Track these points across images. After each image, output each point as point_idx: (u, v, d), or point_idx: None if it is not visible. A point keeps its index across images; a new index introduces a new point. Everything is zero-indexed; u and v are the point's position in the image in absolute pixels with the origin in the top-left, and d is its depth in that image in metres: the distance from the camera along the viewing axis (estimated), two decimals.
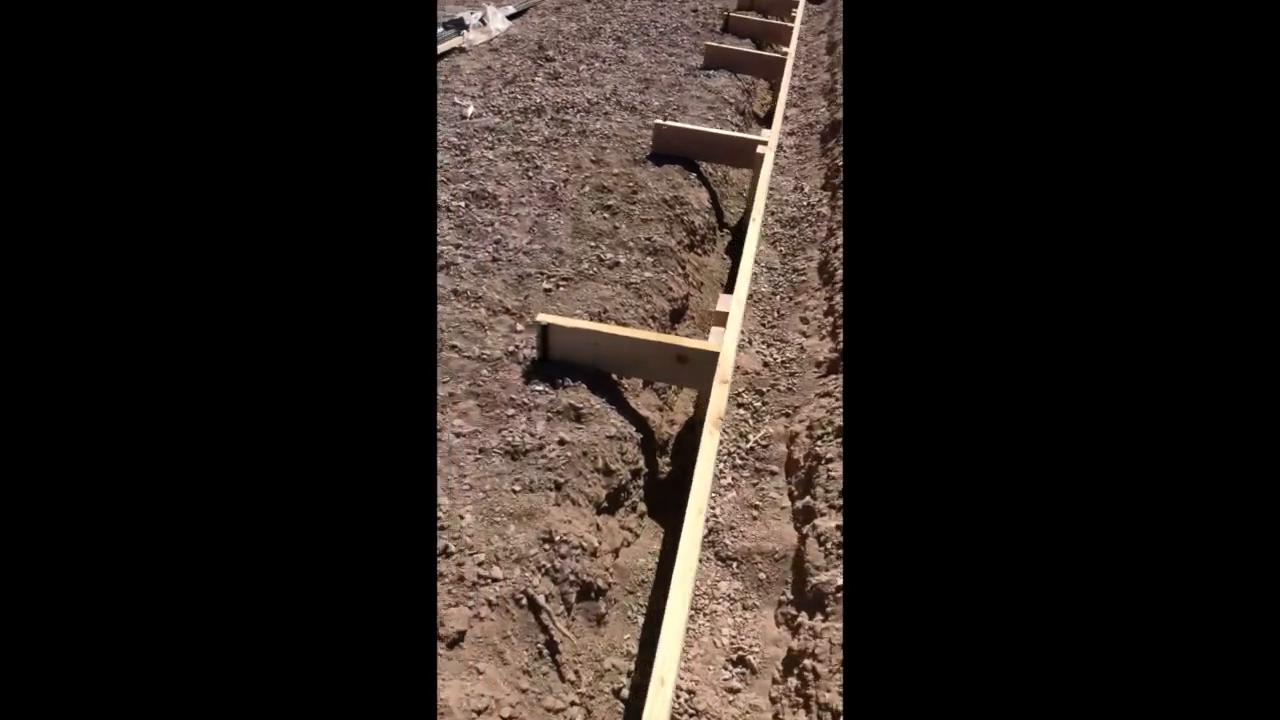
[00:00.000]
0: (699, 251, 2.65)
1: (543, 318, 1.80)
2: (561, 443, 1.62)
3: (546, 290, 2.17)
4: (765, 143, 2.81)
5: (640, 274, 2.24)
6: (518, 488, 1.52)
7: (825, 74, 4.69)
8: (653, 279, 2.23)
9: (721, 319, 1.85)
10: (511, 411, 1.71)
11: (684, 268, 2.44)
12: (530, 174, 2.81)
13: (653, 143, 2.95)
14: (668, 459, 1.91)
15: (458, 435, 1.65)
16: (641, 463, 1.75)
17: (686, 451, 1.95)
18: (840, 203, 3.02)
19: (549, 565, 1.40)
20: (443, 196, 2.62)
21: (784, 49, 4.03)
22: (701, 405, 1.95)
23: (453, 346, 1.92)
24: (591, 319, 2.04)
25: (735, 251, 2.85)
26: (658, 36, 4.57)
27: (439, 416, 1.71)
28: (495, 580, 1.34)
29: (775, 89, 4.22)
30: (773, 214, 3.12)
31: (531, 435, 1.64)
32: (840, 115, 3.76)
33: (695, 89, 3.75)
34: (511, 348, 1.92)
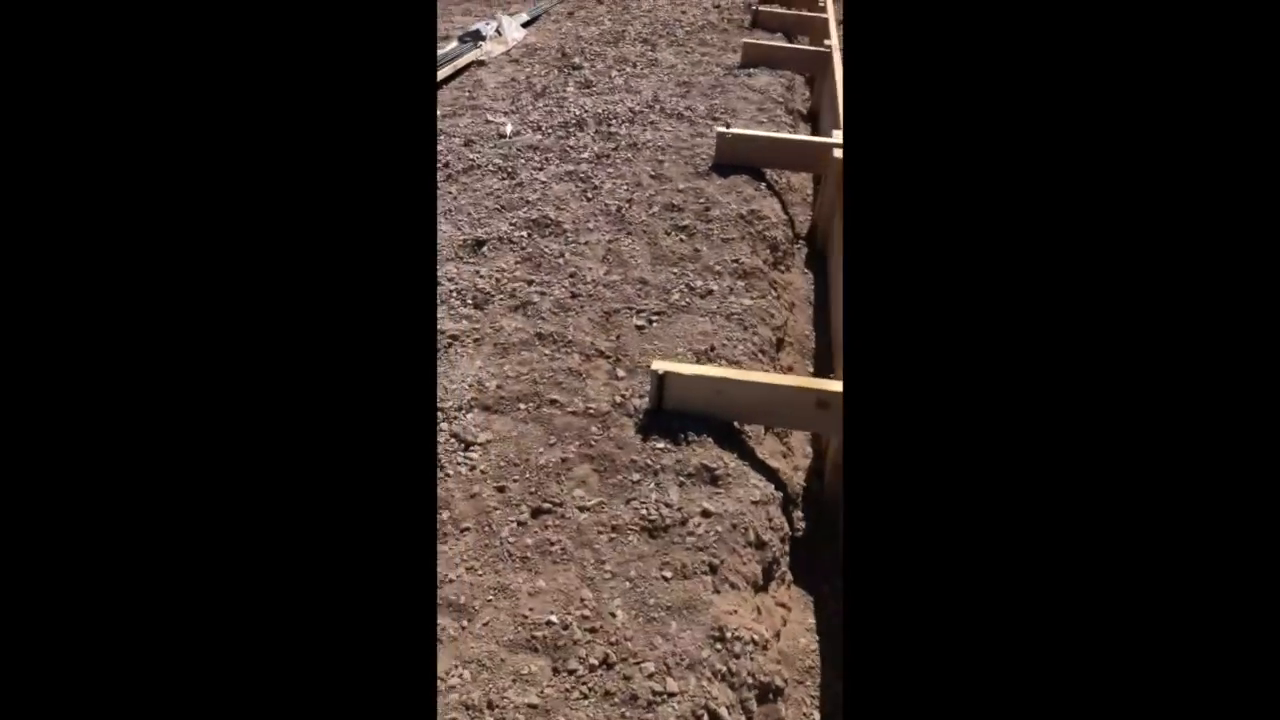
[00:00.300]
0: (782, 268, 2.45)
1: (659, 365, 1.60)
2: (706, 514, 1.42)
3: (639, 327, 1.97)
4: (840, 145, 2.61)
5: (738, 301, 2.04)
6: (668, 573, 1.33)
7: None
8: (752, 306, 2.03)
9: None
10: (636, 476, 1.52)
11: (776, 289, 2.24)
12: (590, 195, 2.61)
13: (716, 153, 2.75)
14: (799, 512, 1.71)
15: (583, 509, 1.46)
16: (786, 526, 1.55)
17: (816, 504, 1.75)
18: None
19: (724, 669, 1.20)
20: (502, 227, 2.42)
21: (826, 41, 3.82)
22: (828, 450, 1.75)
23: (552, 401, 1.72)
24: (697, 358, 1.84)
25: (816, 265, 2.65)
26: (685, 36, 4.37)
27: (555, 486, 1.51)
28: (671, 695, 1.14)
29: (812, 84, 4.02)
30: None
31: (668, 506, 1.44)
32: None
33: (738, 89, 3.54)
34: (617, 398, 1.72)
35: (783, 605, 1.47)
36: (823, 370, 2.18)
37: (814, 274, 2.62)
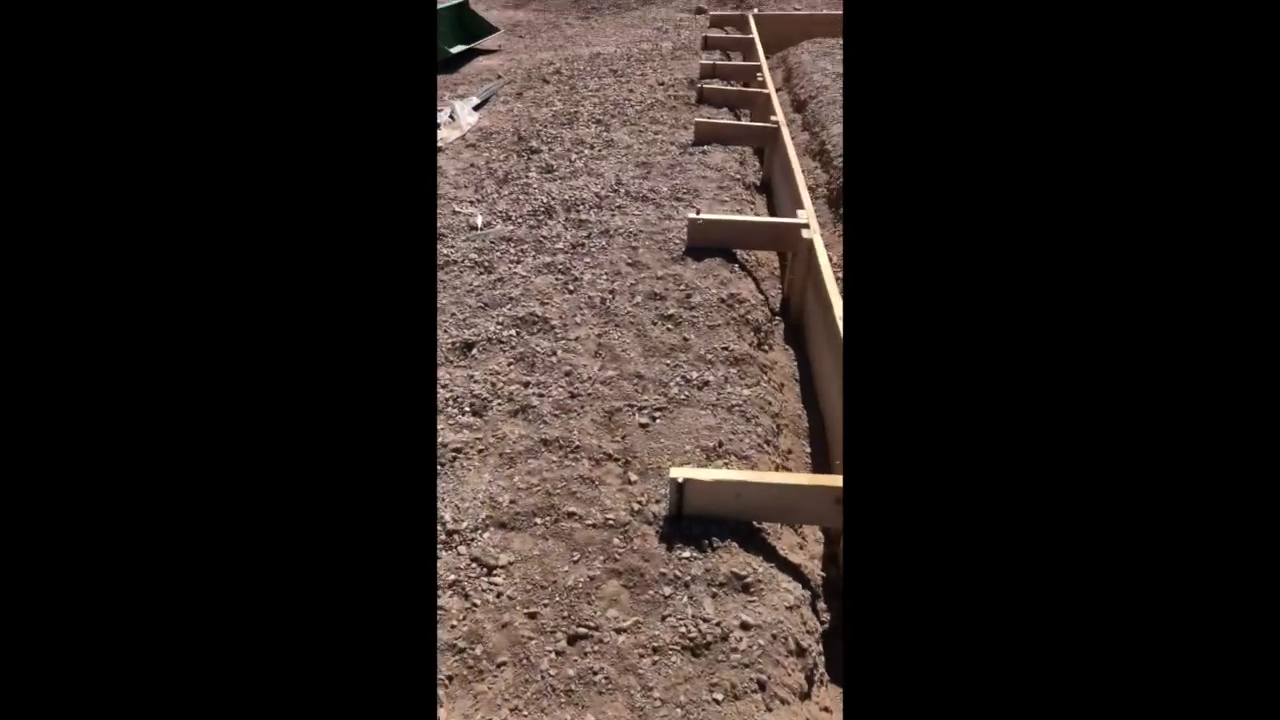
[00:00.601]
0: (765, 348, 2.53)
1: (677, 473, 1.63)
2: (745, 627, 1.43)
3: (643, 425, 1.99)
4: (807, 225, 2.74)
5: (736, 391, 2.09)
6: (719, 695, 1.32)
7: (805, 133, 4.74)
8: (751, 396, 2.09)
9: None
10: (668, 590, 1.52)
11: (765, 372, 2.30)
12: (571, 287, 2.65)
13: (688, 237, 2.85)
14: (823, 604, 1.74)
15: (620, 631, 1.44)
16: (817, 625, 1.57)
17: (835, 593, 1.78)
18: None
19: None
20: (490, 326, 2.43)
21: (772, 118, 4.03)
22: (840, 538, 1.80)
23: (570, 514, 1.71)
24: (706, 455, 1.87)
25: (794, 340, 2.74)
26: (636, 115, 4.53)
27: (586, 608, 1.49)
28: None
29: (762, 155, 4.21)
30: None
31: (705, 621, 1.44)
32: (841, 181, 3.76)
33: (696, 168, 3.69)
34: (634, 505, 1.73)
35: (825, 709, 1.47)
36: (819, 449, 2.24)
37: (794, 348, 2.71)
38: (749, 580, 1.53)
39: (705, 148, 3.92)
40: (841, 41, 6.56)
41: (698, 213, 2.86)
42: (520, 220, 3.21)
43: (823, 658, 1.56)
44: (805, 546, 1.84)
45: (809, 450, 2.24)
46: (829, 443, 2.22)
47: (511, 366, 2.25)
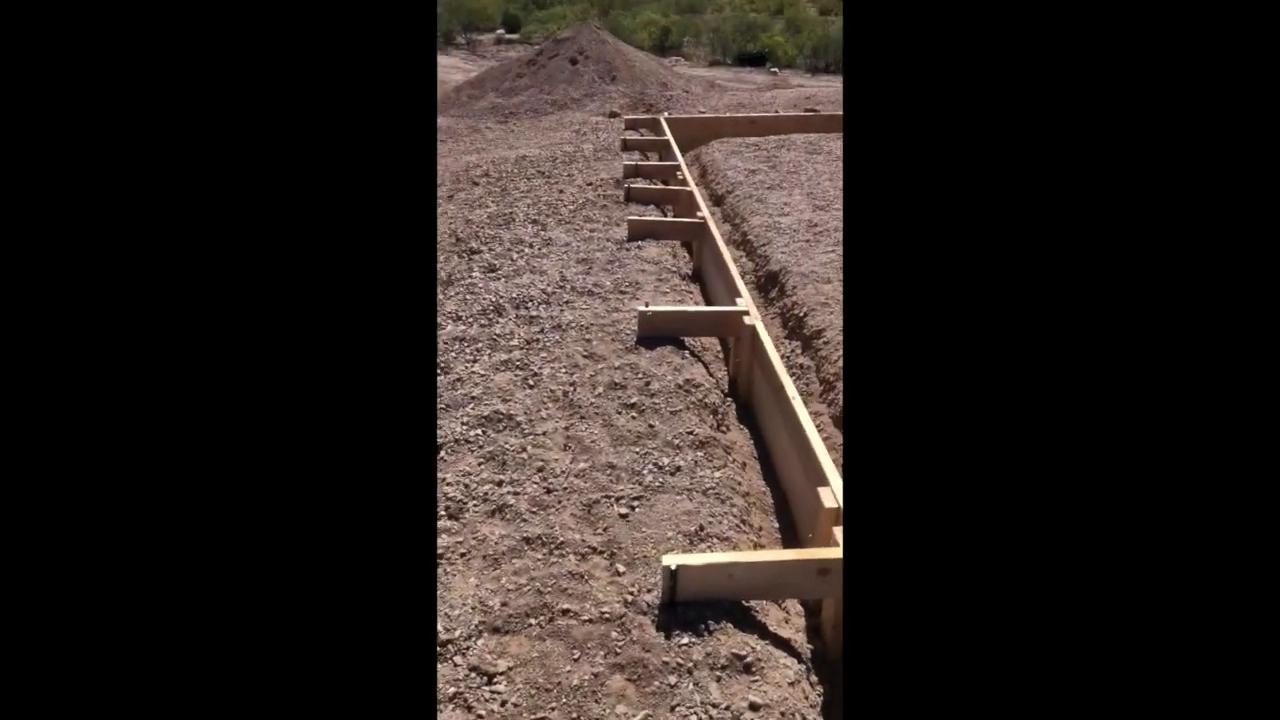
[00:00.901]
0: (724, 429, 2.66)
1: (670, 560, 1.68)
2: (754, 708, 1.47)
3: (623, 515, 2.04)
4: (747, 312, 2.95)
5: (708, 475, 2.19)
6: None
7: (726, 225, 5.10)
8: (721, 478, 2.19)
9: (839, 517, 1.83)
10: (673, 679, 1.54)
11: (729, 453, 2.42)
12: (532, 382, 2.71)
13: (639, 328, 2.99)
14: (814, 677, 1.79)
15: None
16: (816, 697, 1.62)
17: (821, 663, 1.85)
18: (811, 351, 3.20)
19: None
20: (455, 427, 2.44)
21: (699, 213, 4.35)
22: (821, 609, 1.88)
23: (564, 612, 1.72)
24: (689, 540, 1.94)
25: (746, 420, 2.88)
26: (570, 214, 4.76)
27: (595, 706, 1.49)
28: None
29: (690, 248, 4.50)
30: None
31: (715, 707, 1.47)
32: (770, 266, 4.07)
33: (634, 262, 3.90)
34: (627, 597, 1.76)
35: None
36: (785, 524, 2.34)
37: (747, 427, 2.85)
38: (749, 660, 1.58)
39: (640, 243, 4.16)
40: (747, 140, 7.17)
41: (646, 305, 3.02)
42: (471, 320, 3.28)
43: None
44: (790, 621, 1.91)
45: (777, 526, 2.34)
46: (794, 518, 2.33)
47: (482, 466, 2.26)
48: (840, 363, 2.98)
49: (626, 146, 6.64)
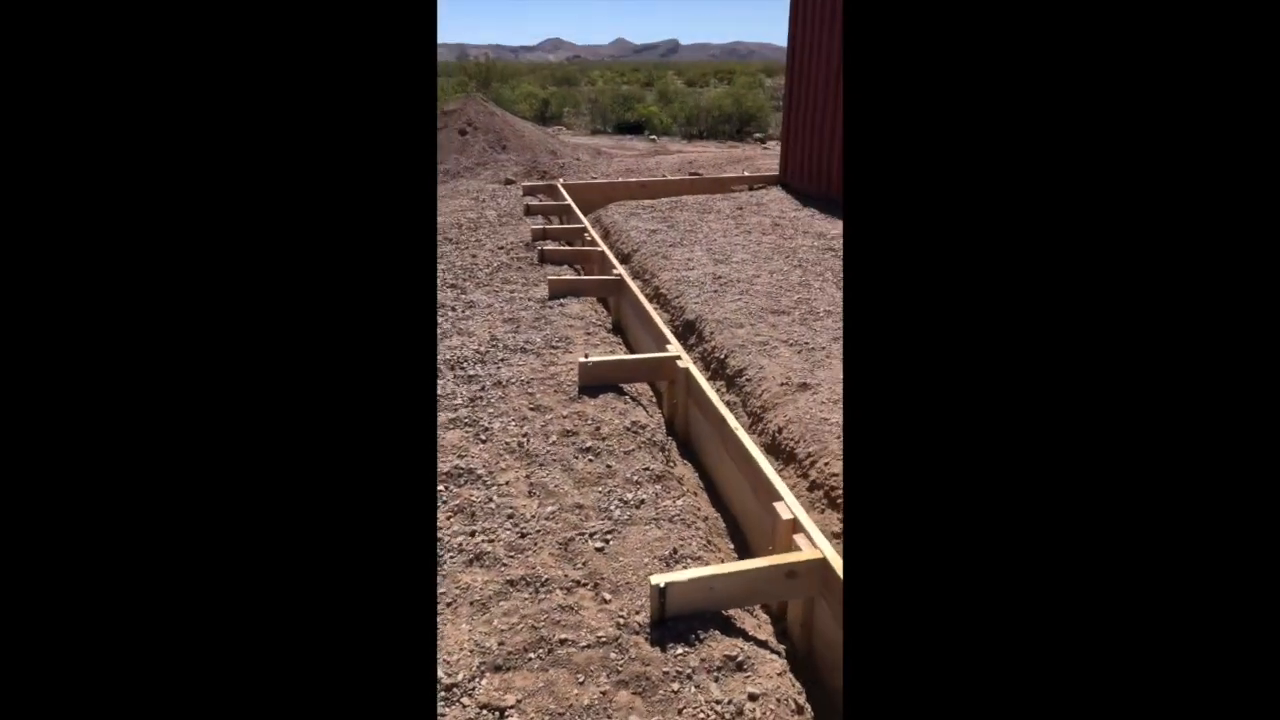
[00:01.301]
0: (672, 464, 2.85)
1: (658, 579, 1.83)
2: (753, 698, 1.63)
3: (599, 549, 2.17)
4: (679, 356, 3.21)
5: (671, 504, 2.36)
6: None
7: (637, 280, 5.41)
8: (683, 505, 2.37)
9: (796, 526, 2.06)
10: (675, 686, 1.68)
11: (682, 484, 2.61)
12: (484, 436, 2.80)
13: (579, 377, 3.16)
14: (793, 680, 1.98)
15: None
16: (801, 686, 1.81)
17: (791, 659, 2.04)
18: (736, 389, 3.50)
19: None
20: None
21: (615, 271, 4.63)
22: (785, 612, 2.09)
23: (561, 642, 1.82)
24: (665, 563, 2.09)
25: (687, 456, 3.10)
26: (488, 278, 4.90)
27: None
28: None
29: (606, 303, 4.76)
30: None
31: (718, 703, 1.62)
32: (686, 315, 4.39)
33: (560, 318, 4.09)
34: (619, 621, 1.88)
35: None
36: (740, 544, 2.55)
37: (689, 461, 3.07)
38: (740, 659, 1.75)
39: (562, 300, 4.36)
40: (642, 203, 7.64)
41: (586, 356, 3.21)
42: None
43: (811, 712, 1.79)
44: (761, 626, 2.10)
45: (733, 547, 2.54)
46: (746, 538, 2.55)
47: (452, 519, 2.32)
48: (764, 397, 3.29)
49: (529, 211, 6.89)
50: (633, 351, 4.08)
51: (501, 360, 3.51)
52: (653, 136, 17.56)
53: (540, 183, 8.60)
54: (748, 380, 3.47)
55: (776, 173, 8.52)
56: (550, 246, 5.40)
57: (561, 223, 6.69)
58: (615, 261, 4.83)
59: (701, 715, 1.60)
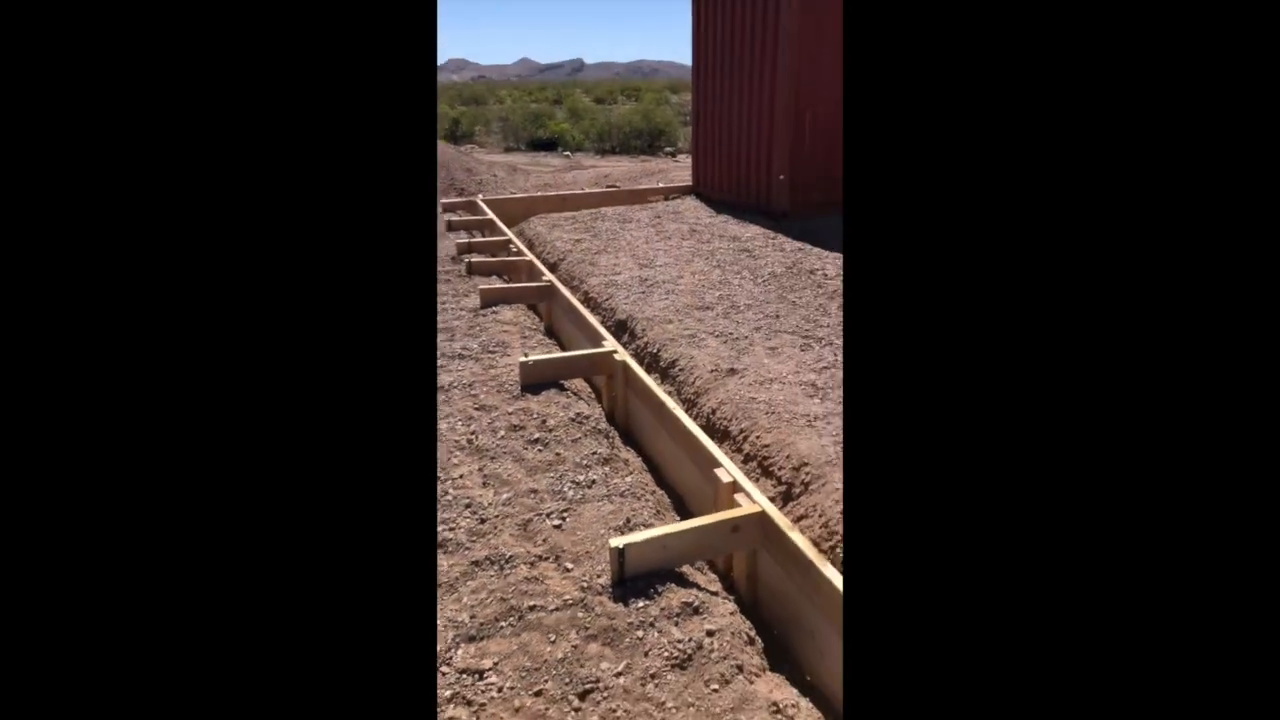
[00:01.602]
0: (616, 450, 3.02)
1: (616, 541, 1.99)
2: (710, 634, 1.81)
3: (556, 526, 2.31)
4: (616, 351, 3.38)
5: (620, 481, 2.53)
6: (715, 686, 1.67)
7: (567, 287, 5.56)
8: (632, 483, 2.54)
9: (736, 487, 2.27)
10: (640, 633, 1.84)
11: (628, 465, 2.78)
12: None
13: (521, 376, 3.29)
14: (744, 618, 2.18)
15: (618, 675, 1.72)
16: (754, 629, 2.01)
17: (744, 605, 2.24)
18: (670, 379, 3.71)
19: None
20: None
21: (545, 277, 4.76)
22: (730, 566, 2.29)
23: (531, 608, 1.95)
24: (620, 533, 2.25)
25: (629, 443, 3.27)
26: None
27: (581, 669, 1.74)
28: None
29: (536, 309, 4.89)
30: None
31: (681, 642, 1.80)
32: (617, 315, 4.58)
33: (494, 325, 4.19)
34: (582, 585, 2.03)
35: (782, 676, 1.89)
36: (685, 514, 2.74)
37: (631, 448, 3.24)
38: (696, 605, 1.93)
39: (494, 308, 4.46)
40: (562, 215, 7.81)
41: (526, 355, 3.33)
42: None
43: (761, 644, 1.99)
44: (712, 581, 2.29)
45: (679, 519, 2.73)
46: (690, 511, 2.74)
47: None
48: (696, 384, 3.51)
49: (452, 227, 6.93)
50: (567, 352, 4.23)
51: (441, 367, 3.58)
52: (566, 153, 17.78)
53: (459, 200, 8.62)
54: (680, 370, 3.68)
55: (690, 183, 8.89)
56: (477, 259, 5.48)
57: (485, 236, 6.76)
58: (544, 269, 4.98)
59: (666, 653, 1.77)
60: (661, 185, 9.25)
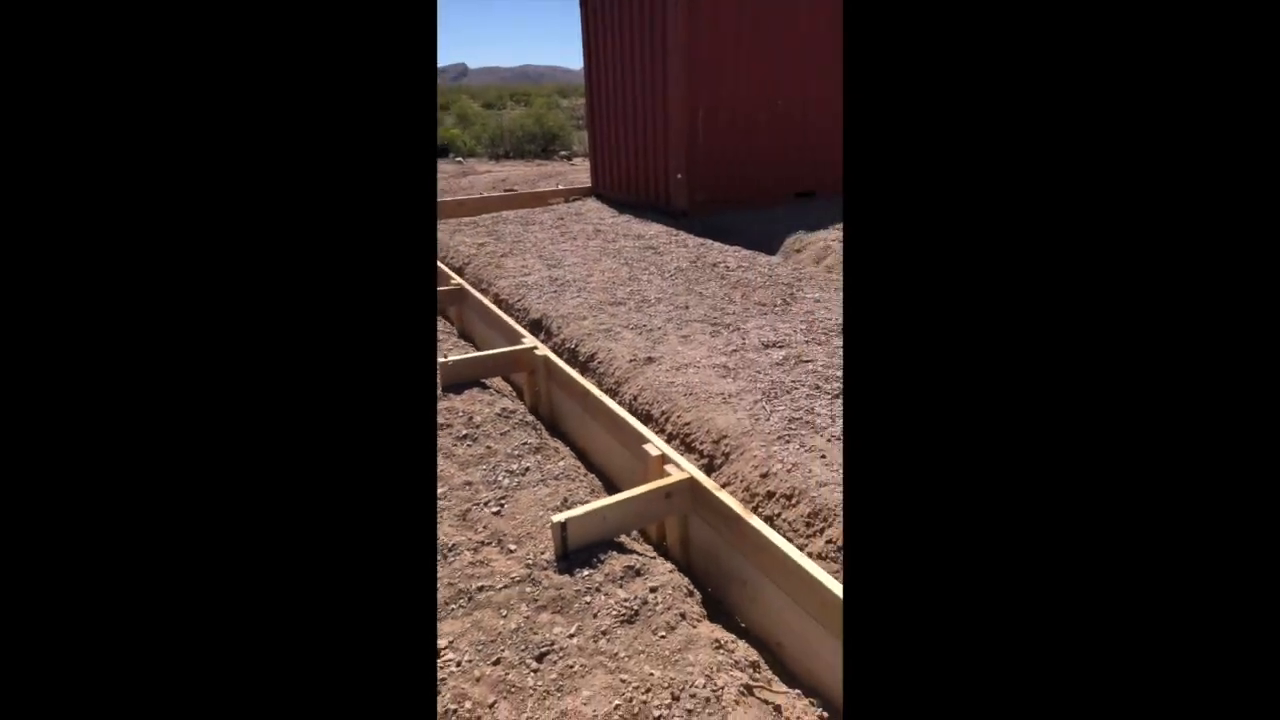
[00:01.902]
0: (545, 439, 3.11)
1: (558, 517, 2.10)
2: (654, 590, 1.96)
3: (495, 513, 2.38)
4: (536, 347, 3.47)
5: (554, 466, 2.63)
6: (662, 634, 1.82)
7: (477, 290, 5.56)
8: (565, 467, 2.65)
9: (665, 459, 2.43)
10: (588, 598, 1.96)
11: (559, 452, 2.89)
12: None
13: (442, 378, 3.31)
14: (682, 575, 2.34)
15: (571, 636, 1.83)
16: (692, 584, 2.17)
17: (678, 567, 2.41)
18: (590, 372, 3.84)
19: (727, 658, 1.76)
20: None
21: (453, 280, 4.76)
22: (663, 532, 2.45)
23: (480, 589, 2.02)
24: (557, 512, 2.36)
25: (555, 434, 3.37)
26: None
27: (535, 635, 1.84)
28: (692, 665, 1.65)
29: (447, 314, 4.87)
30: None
31: (627, 600, 1.93)
32: (531, 315, 4.65)
33: None
34: (527, 563, 2.12)
35: (720, 626, 2.07)
36: (613, 492, 2.88)
37: (559, 438, 3.34)
38: (637, 568, 2.07)
39: None
40: (462, 220, 7.74)
41: (445, 357, 3.36)
42: None
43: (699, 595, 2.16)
44: (648, 549, 2.45)
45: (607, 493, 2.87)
46: (620, 490, 2.88)
47: None
48: (616, 374, 3.66)
49: None
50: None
51: None
52: (459, 158, 17.48)
53: None
54: (599, 362, 3.82)
55: (589, 185, 9.04)
56: None
57: None
58: (451, 272, 4.97)
59: (614, 612, 1.90)
60: (562, 187, 9.35)
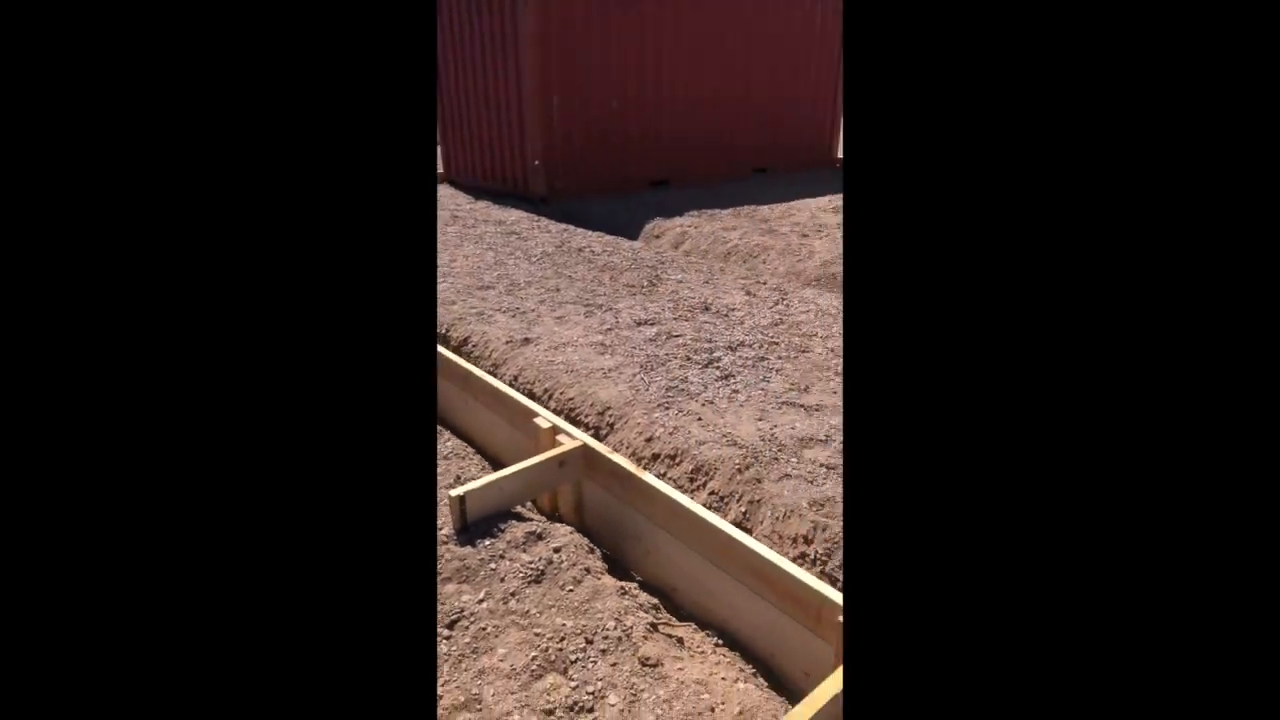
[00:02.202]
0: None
1: (456, 491, 2.12)
2: (557, 550, 2.05)
3: None
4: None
5: (441, 446, 2.61)
6: (570, 589, 1.91)
7: None
8: (454, 446, 2.64)
9: (556, 430, 2.51)
10: (493, 565, 2.01)
11: (443, 435, 2.86)
12: None
13: None
14: (582, 536, 2.45)
15: (480, 603, 1.88)
16: (594, 545, 2.28)
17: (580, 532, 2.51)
18: (465, 354, 3.81)
19: (646, 609, 1.90)
20: None
21: None
22: (557, 498, 2.55)
23: None
24: (448, 488, 2.37)
25: (440, 423, 3.32)
26: None
27: (444, 606, 1.87)
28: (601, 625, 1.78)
29: None
30: None
31: (531, 563, 2.00)
32: None
33: None
34: None
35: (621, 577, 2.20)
36: (496, 466, 2.91)
37: (442, 427, 3.30)
38: (539, 533, 2.15)
39: None
40: None
41: None
42: None
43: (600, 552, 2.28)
44: (540, 515, 2.53)
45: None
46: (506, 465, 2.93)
47: None
48: (494, 356, 3.67)
49: None
50: None
51: None
52: None
53: None
54: (474, 346, 3.80)
55: (441, 172, 8.77)
56: None
57: None
58: None
59: (521, 574, 1.97)
60: None
